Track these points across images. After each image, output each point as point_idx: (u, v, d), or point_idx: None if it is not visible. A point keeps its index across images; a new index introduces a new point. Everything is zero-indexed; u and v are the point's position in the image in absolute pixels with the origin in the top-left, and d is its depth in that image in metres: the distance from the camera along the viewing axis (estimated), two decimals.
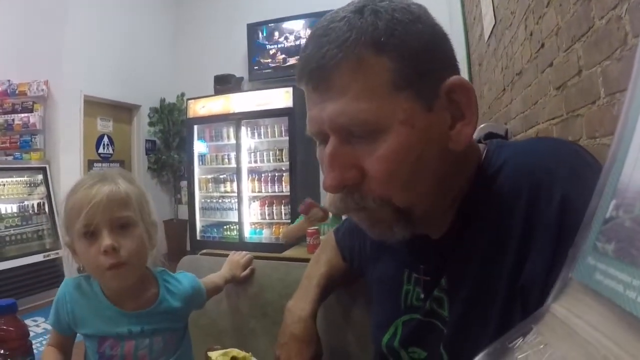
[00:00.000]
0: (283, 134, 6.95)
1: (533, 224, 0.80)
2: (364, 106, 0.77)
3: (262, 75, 7.80)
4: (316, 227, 3.50)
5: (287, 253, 3.54)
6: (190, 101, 7.45)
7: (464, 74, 5.43)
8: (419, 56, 0.79)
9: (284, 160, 6.98)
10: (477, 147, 0.97)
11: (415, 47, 0.79)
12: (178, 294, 1.41)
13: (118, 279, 1.25)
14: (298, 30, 7.65)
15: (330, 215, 3.74)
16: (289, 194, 6.86)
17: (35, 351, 1.25)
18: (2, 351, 1.18)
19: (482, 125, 3.35)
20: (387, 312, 1.10)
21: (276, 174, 7.05)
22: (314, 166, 7.36)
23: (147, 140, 8.13)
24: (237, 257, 1.83)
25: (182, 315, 1.43)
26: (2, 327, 1.18)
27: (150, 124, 8.05)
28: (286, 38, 7.71)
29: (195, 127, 7.44)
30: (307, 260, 1.80)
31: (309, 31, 7.22)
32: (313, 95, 0.83)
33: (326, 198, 3.58)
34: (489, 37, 3.83)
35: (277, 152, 7.04)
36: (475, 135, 2.76)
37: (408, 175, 0.81)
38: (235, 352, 0.95)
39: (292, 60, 7.62)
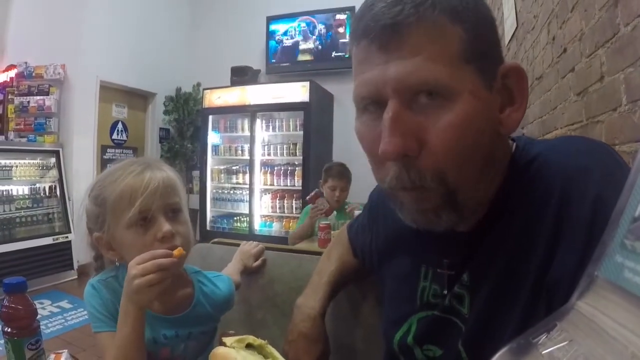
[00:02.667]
0: (298, 128, 6.92)
1: (564, 222, 0.79)
2: (439, 68, 0.75)
3: (279, 69, 7.81)
4: (327, 222, 3.50)
5: (298, 246, 3.53)
6: (206, 91, 7.41)
7: None
8: (487, 34, 0.80)
9: (297, 154, 6.94)
10: (508, 141, 0.96)
11: (484, 24, 0.80)
12: (214, 299, 1.38)
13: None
14: (318, 26, 7.60)
15: (334, 213, 3.74)
16: (300, 188, 6.82)
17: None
18: (9, 329, 1.17)
19: None
20: (401, 309, 1.09)
21: (289, 168, 7.03)
22: (327, 161, 7.34)
23: (161, 129, 8.16)
24: (249, 247, 1.83)
25: (216, 318, 1.41)
26: (10, 305, 1.18)
27: (166, 112, 8.06)
28: (304, 33, 7.68)
29: (210, 117, 7.41)
30: (318, 253, 1.79)
31: (324, 27, 7.33)
32: (376, 55, 0.78)
33: (326, 195, 3.55)
34: (510, 40, 3.81)
35: (291, 146, 7.00)
36: None
37: (467, 149, 0.79)
38: (250, 339, 0.94)
39: (308, 56, 7.62)
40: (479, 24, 0.78)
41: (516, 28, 3.51)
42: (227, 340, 0.93)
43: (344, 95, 7.44)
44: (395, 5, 0.75)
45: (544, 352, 0.52)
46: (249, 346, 0.93)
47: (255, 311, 1.79)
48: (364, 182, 4.06)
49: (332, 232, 3.50)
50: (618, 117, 1.66)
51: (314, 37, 7.64)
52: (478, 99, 0.77)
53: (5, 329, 1.18)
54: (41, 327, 1.24)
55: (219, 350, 0.91)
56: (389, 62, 0.77)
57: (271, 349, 0.92)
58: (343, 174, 4.05)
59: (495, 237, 0.90)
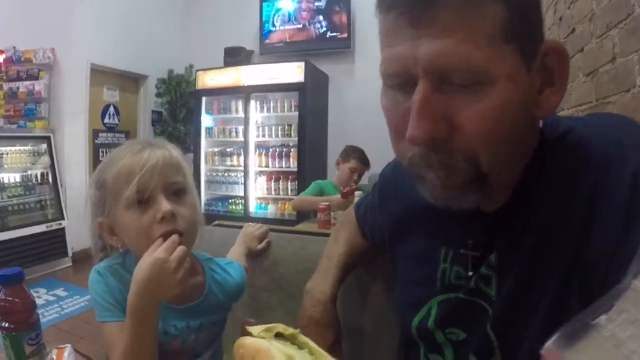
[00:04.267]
0: (293, 109, 6.85)
1: (600, 199, 0.76)
2: (474, 51, 0.69)
3: (273, 50, 7.70)
4: (327, 203, 3.45)
5: (299, 227, 3.49)
6: (199, 72, 7.31)
7: None
8: (529, 11, 0.74)
9: (292, 135, 6.88)
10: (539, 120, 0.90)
11: (526, 1, 0.74)
12: (226, 287, 1.33)
13: None
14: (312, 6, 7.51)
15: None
16: (296, 169, 6.78)
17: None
18: (6, 324, 1.10)
19: None
20: (419, 292, 1.05)
21: (284, 149, 6.97)
22: (322, 143, 7.34)
23: (153, 111, 8.04)
24: (252, 229, 1.79)
25: (228, 307, 1.35)
26: (7, 298, 1.10)
27: (158, 94, 7.92)
28: (299, 12, 7.59)
29: (204, 99, 7.32)
30: (323, 234, 1.78)
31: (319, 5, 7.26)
32: (406, 29, 0.72)
33: (340, 174, 3.51)
34: None
35: (286, 127, 6.94)
36: None
37: (501, 135, 0.74)
38: (280, 327, 0.85)
39: (302, 36, 7.53)
40: (522, 0, 0.72)
41: None
42: (253, 329, 0.84)
43: (339, 76, 7.46)
44: None
45: (606, 334, 0.50)
46: (278, 335, 0.85)
47: (260, 294, 1.77)
48: None
49: (331, 213, 3.47)
50: (631, 98, 1.65)
51: (309, 16, 7.53)
52: (516, 84, 0.73)
53: (2, 324, 1.10)
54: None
55: (246, 340, 0.81)
56: (420, 39, 0.71)
57: (304, 339, 0.83)
58: (366, 160, 4.07)
59: (525, 216, 0.86)
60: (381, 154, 3.98)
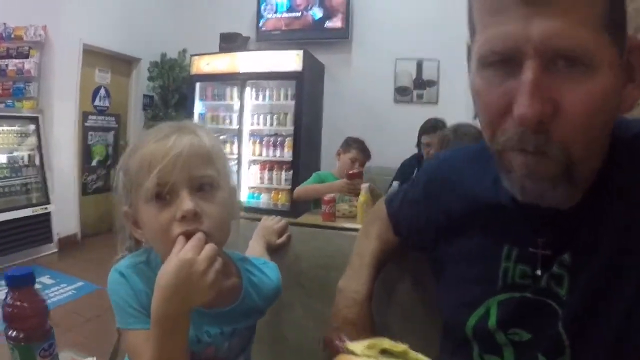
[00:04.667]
0: (289, 97, 6.77)
1: None
2: (586, 34, 0.70)
3: (270, 37, 7.57)
4: (332, 195, 3.36)
5: (302, 219, 3.38)
6: (194, 57, 7.14)
7: None
8: (623, 5, 0.75)
9: (287, 124, 6.81)
10: None
11: None
12: (264, 289, 1.21)
13: None
14: None
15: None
16: (290, 159, 6.70)
17: None
18: (15, 333, 0.96)
19: None
20: (474, 292, 1.02)
21: (278, 139, 6.89)
22: (316, 133, 7.25)
23: (145, 96, 7.85)
24: (271, 222, 1.68)
25: (264, 311, 1.23)
26: (15, 303, 0.97)
27: (150, 78, 7.74)
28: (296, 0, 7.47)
29: (198, 84, 7.18)
30: (345, 229, 1.74)
31: None
32: (515, 6, 0.72)
33: (340, 164, 3.43)
34: None
35: (281, 116, 6.86)
36: None
37: (598, 124, 0.76)
38: (386, 343, 0.72)
39: (299, 25, 7.43)
40: None
41: None
42: (355, 347, 0.71)
43: (335, 66, 7.40)
44: None
45: None
46: (384, 352, 0.72)
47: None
48: None
49: (336, 205, 3.41)
50: None
51: (306, 4, 7.42)
52: (614, 73, 0.74)
53: (10, 333, 0.97)
54: None
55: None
56: (532, 18, 0.71)
57: (417, 355, 0.72)
58: (367, 150, 4.05)
59: (600, 216, 0.86)
60: (377, 145, 3.95)
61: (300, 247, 1.68)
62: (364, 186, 3.28)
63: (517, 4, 0.71)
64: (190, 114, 7.23)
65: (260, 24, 7.61)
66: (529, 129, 0.74)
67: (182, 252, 0.92)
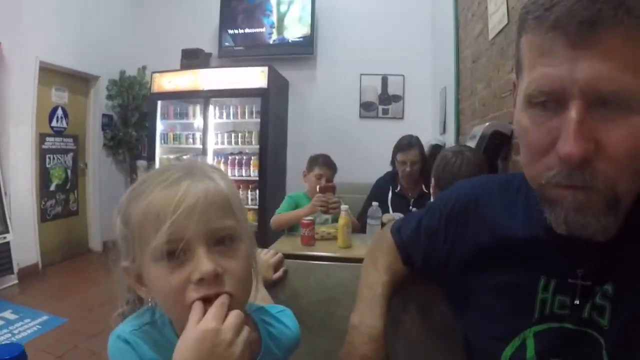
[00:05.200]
0: (254, 115, 6.65)
1: None
2: (629, 77, 0.72)
3: (233, 53, 7.46)
4: (311, 218, 3.24)
5: (278, 246, 3.25)
6: (155, 75, 6.97)
7: (451, 69, 5.42)
8: None
9: (252, 143, 6.68)
10: None
11: None
12: (284, 341, 1.06)
13: None
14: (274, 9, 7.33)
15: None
16: (257, 178, 6.57)
17: None
18: None
19: (487, 124, 3.29)
20: (509, 323, 1.02)
21: (244, 157, 6.75)
22: (282, 151, 7.17)
23: (104, 115, 7.57)
24: (265, 257, 1.57)
25: None
26: None
27: (109, 97, 7.48)
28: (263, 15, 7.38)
29: (159, 103, 7.01)
30: (347, 259, 1.67)
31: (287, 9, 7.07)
32: (562, 49, 0.76)
33: (309, 186, 3.37)
34: (496, 35, 3.81)
35: (246, 134, 6.74)
36: (482, 131, 2.59)
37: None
38: None
39: (263, 41, 7.33)
40: None
41: (506, 24, 3.53)
42: None
43: (300, 82, 7.38)
44: (594, 4, 0.73)
45: None
46: None
47: None
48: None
49: (315, 228, 3.29)
50: None
51: (271, 21, 7.35)
52: None
53: None
54: None
55: None
56: (577, 60, 0.75)
57: None
58: (331, 163, 3.93)
59: None
60: (343, 161, 3.89)
61: (298, 281, 1.59)
62: (344, 207, 3.18)
63: (565, 46, 0.75)
64: (151, 134, 7.07)
65: (223, 40, 7.50)
66: (572, 165, 0.77)
67: (203, 322, 0.78)
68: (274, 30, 7.35)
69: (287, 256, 1.63)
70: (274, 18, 7.34)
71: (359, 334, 1.17)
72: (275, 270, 1.56)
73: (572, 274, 0.95)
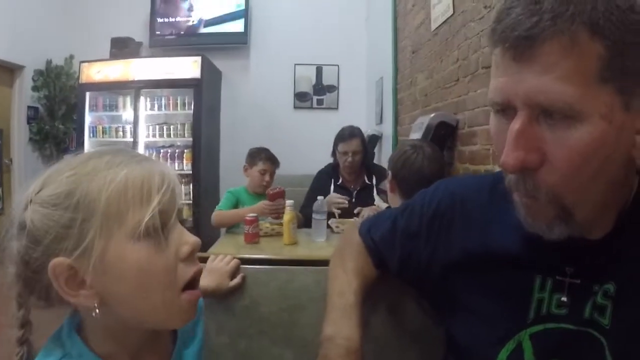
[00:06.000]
0: (186, 106, 6.49)
1: None
2: (569, 90, 0.73)
3: (164, 42, 7.25)
4: (255, 215, 3.19)
5: (220, 246, 3.18)
6: (83, 64, 6.65)
7: (389, 58, 5.43)
8: (629, 49, 0.74)
9: (185, 135, 6.52)
10: None
11: (628, 39, 0.74)
12: (192, 345, 1.03)
13: (195, 307, 0.87)
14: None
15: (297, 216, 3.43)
16: (190, 172, 6.41)
17: None
18: None
19: (432, 115, 3.32)
20: (503, 326, 1.00)
21: (176, 150, 6.58)
22: (215, 144, 7.06)
23: (29, 107, 7.19)
24: (220, 264, 1.50)
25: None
26: None
27: (35, 88, 7.08)
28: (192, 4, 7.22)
29: (88, 94, 6.71)
30: (311, 262, 1.59)
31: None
32: (509, 63, 0.78)
33: (250, 180, 3.29)
34: (440, 26, 3.84)
35: (179, 127, 6.57)
36: (428, 122, 2.61)
37: (589, 174, 0.79)
38: None
39: (196, 30, 7.17)
40: (622, 38, 0.73)
41: (451, 15, 3.56)
42: None
43: (233, 73, 7.31)
44: (533, 16, 0.74)
45: None
46: None
47: (236, 340, 1.48)
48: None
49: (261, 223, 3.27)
50: None
51: (202, 9, 7.20)
52: (609, 123, 0.75)
53: None
54: None
55: None
56: (521, 74, 0.77)
57: None
58: (274, 158, 3.88)
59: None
60: (278, 153, 3.84)
61: (257, 289, 1.51)
62: (289, 203, 3.14)
63: (510, 59, 0.77)
64: (79, 127, 6.80)
65: (155, 28, 7.29)
66: (514, 175, 0.82)
67: None
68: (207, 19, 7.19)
69: (244, 261, 1.55)
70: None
71: (335, 346, 1.09)
72: (232, 277, 1.48)
73: (562, 271, 0.95)
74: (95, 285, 0.77)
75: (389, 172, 2.35)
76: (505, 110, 0.82)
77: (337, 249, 1.39)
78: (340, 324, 1.13)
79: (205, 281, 1.42)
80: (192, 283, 0.83)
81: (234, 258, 1.53)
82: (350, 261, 1.28)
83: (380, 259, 1.25)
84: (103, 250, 0.76)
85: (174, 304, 0.81)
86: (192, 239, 0.82)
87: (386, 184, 2.43)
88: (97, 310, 0.78)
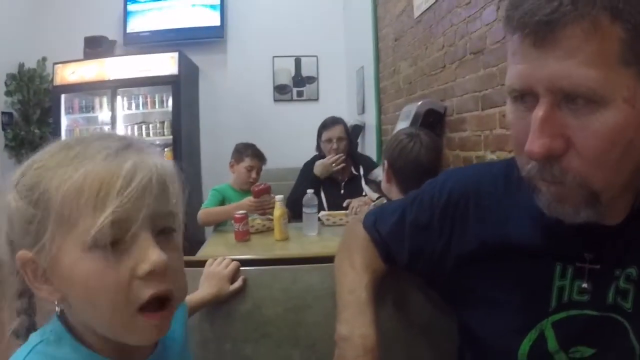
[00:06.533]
0: (164, 104, 6.39)
1: None
2: (593, 74, 0.73)
3: (138, 39, 7.08)
4: (244, 212, 3.13)
5: (210, 246, 3.12)
6: (57, 66, 6.49)
7: (370, 47, 5.41)
8: None
9: (165, 133, 6.42)
10: None
11: None
12: (176, 341, 0.94)
13: (159, 328, 0.75)
14: None
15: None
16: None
17: None
18: None
19: (420, 102, 3.31)
20: (524, 316, 1.01)
21: (157, 149, 6.40)
22: (195, 141, 6.98)
23: (3, 113, 7.03)
24: (219, 267, 1.43)
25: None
26: None
27: (7, 93, 6.88)
28: None
29: (63, 96, 6.56)
30: (315, 260, 1.53)
31: None
32: (529, 49, 0.78)
33: (236, 176, 3.25)
34: (423, 13, 3.84)
35: (158, 125, 6.47)
36: (416, 110, 2.56)
37: (614, 158, 0.79)
38: None
39: (170, 25, 7.03)
40: None
41: (435, 1, 3.56)
42: None
43: (211, 68, 7.22)
44: (552, 0, 0.73)
45: None
46: None
47: (240, 346, 1.42)
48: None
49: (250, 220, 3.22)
50: None
51: (177, 3, 7.07)
52: (632, 107, 0.75)
53: None
54: None
55: None
56: (542, 60, 0.76)
57: None
58: (261, 154, 3.84)
59: None
60: (259, 147, 3.79)
61: (259, 291, 1.45)
62: (279, 198, 3.10)
63: (529, 45, 0.77)
64: (55, 130, 6.63)
65: (128, 26, 7.12)
66: (537, 163, 0.81)
67: None
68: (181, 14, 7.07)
69: (243, 262, 1.49)
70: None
71: (352, 346, 1.06)
72: (232, 281, 1.42)
73: (581, 258, 0.96)
74: (57, 283, 0.72)
75: (385, 162, 2.30)
76: (525, 97, 0.82)
77: (342, 244, 1.36)
78: (355, 322, 1.10)
79: (204, 289, 1.37)
80: (153, 303, 0.72)
81: (233, 260, 1.47)
82: (357, 256, 1.24)
83: (387, 253, 1.23)
84: (57, 252, 0.70)
85: (131, 323, 0.72)
86: (153, 257, 0.69)
87: (379, 174, 2.38)
88: (58, 308, 0.75)
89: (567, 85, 0.75)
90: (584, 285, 0.96)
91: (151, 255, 0.69)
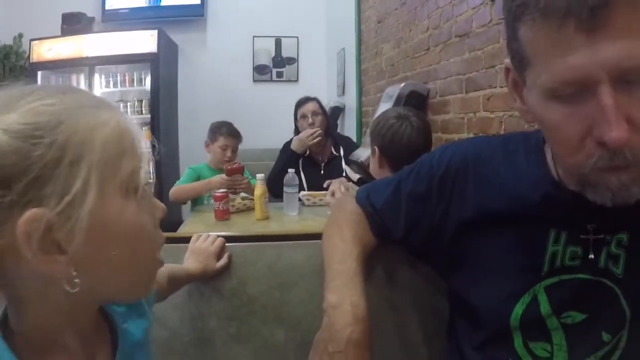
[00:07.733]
0: (143, 82, 6.29)
1: None
2: None
3: (117, 16, 6.94)
4: (224, 191, 3.11)
5: (190, 225, 3.09)
6: (34, 42, 6.35)
7: (352, 29, 5.40)
8: None
9: (143, 112, 6.33)
10: None
11: None
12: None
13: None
14: None
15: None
16: (150, 150, 6.17)
17: None
18: None
19: (403, 84, 3.31)
20: (517, 281, 1.03)
21: None
22: (173, 120, 6.90)
23: None
24: (205, 244, 1.40)
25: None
26: None
27: None
28: None
29: (40, 73, 6.39)
30: (301, 237, 1.54)
31: None
32: (575, 36, 0.73)
33: (212, 156, 3.23)
34: None
35: (136, 104, 6.38)
36: (399, 92, 2.56)
37: None
38: None
39: (149, 2, 6.94)
40: None
41: None
42: None
43: (190, 47, 7.13)
44: None
45: None
46: None
47: (226, 324, 1.41)
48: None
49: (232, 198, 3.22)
50: None
51: None
52: None
53: None
54: None
55: None
56: (595, 44, 0.73)
57: None
58: (236, 132, 3.80)
59: None
60: (238, 128, 3.77)
61: (245, 268, 1.43)
62: (259, 176, 3.08)
63: (579, 32, 0.73)
64: None
65: (106, 2, 6.98)
66: (619, 149, 0.77)
67: None
68: None
69: (229, 239, 1.47)
70: None
71: (342, 314, 1.03)
72: (218, 258, 1.40)
73: (584, 229, 0.97)
74: (74, 251, 0.60)
75: (376, 148, 2.26)
76: (576, 92, 0.78)
77: (330, 219, 1.35)
78: (345, 291, 1.08)
79: (190, 264, 1.34)
80: None
81: (219, 237, 1.44)
82: (347, 230, 1.23)
83: (380, 226, 1.22)
84: (95, 205, 0.61)
85: (155, 270, 0.76)
86: (162, 205, 0.77)
87: (361, 155, 2.35)
88: (77, 280, 0.61)
89: (630, 64, 0.73)
90: (577, 250, 0.98)
91: (159, 203, 0.77)
